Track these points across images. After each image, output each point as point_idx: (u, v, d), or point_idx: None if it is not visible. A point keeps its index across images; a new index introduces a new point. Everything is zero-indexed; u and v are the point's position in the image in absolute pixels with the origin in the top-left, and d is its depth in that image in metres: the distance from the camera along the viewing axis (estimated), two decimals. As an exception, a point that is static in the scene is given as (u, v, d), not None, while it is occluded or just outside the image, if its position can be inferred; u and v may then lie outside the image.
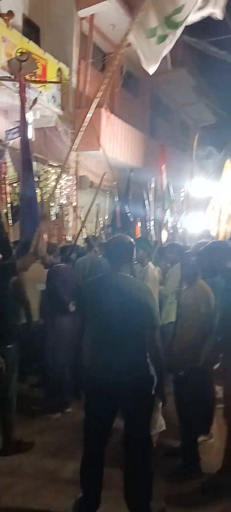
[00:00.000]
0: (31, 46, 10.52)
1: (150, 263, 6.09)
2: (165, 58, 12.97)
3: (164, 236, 8.16)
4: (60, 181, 11.55)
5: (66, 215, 11.20)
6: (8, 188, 9.78)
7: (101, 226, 9.58)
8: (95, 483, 3.41)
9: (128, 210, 9.11)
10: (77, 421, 5.13)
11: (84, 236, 7.66)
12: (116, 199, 9.24)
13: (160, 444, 4.40)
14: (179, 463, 4.25)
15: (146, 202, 9.97)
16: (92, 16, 13.08)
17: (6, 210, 9.32)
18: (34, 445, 4.62)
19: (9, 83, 9.23)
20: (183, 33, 12.18)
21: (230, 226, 7.30)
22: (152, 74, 5.37)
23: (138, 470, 3.32)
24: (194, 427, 4.33)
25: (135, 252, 3.58)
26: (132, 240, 3.67)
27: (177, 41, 14.04)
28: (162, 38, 4.40)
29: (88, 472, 3.41)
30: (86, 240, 7.52)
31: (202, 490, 3.93)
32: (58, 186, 11.35)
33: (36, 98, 8.56)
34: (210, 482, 3.98)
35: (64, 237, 10.91)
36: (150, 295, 3.42)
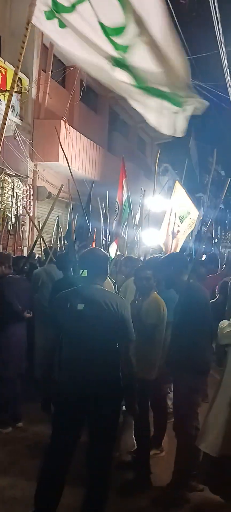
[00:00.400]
0: (-10, 54, 10.42)
1: (108, 279, 6.06)
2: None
3: (114, 249, 8.24)
4: (17, 191, 11.43)
5: (23, 225, 11.07)
6: None
7: (60, 237, 9.54)
8: (53, 500, 3.29)
9: (88, 223, 9.12)
10: (29, 436, 5.09)
11: (43, 247, 7.62)
12: (69, 211, 9.23)
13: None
14: (130, 477, 4.29)
15: (103, 215, 10.01)
16: (53, 28, 13.12)
17: None
18: None
19: None
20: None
21: (180, 241, 7.63)
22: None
23: (99, 484, 3.29)
24: (146, 440, 4.37)
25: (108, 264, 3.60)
26: (106, 253, 3.69)
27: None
28: (60, 23, 3.80)
29: (47, 488, 3.30)
30: (45, 251, 7.48)
31: (152, 504, 3.97)
32: (15, 196, 11.23)
33: (-6, 106, 8.45)
34: (160, 495, 4.04)
35: (20, 247, 10.76)
36: (126, 308, 3.42)
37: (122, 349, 3.36)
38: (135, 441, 4.16)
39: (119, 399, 3.38)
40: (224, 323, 4.19)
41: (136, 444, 4.17)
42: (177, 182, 8.03)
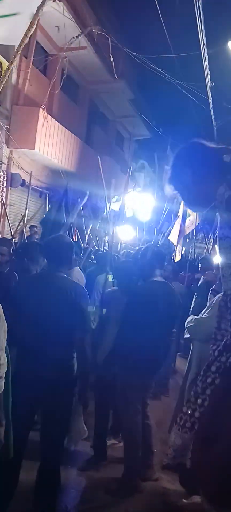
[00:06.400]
0: None
1: (78, 268, 5.99)
2: (105, 67, 13.05)
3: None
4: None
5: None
6: None
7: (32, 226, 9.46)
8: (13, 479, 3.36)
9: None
10: None
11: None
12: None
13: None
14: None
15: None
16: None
17: None
18: None
19: None
20: (124, 45, 12.33)
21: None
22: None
23: (48, 468, 3.36)
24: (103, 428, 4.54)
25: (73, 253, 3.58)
26: (71, 240, 3.70)
27: (118, 52, 14.02)
28: None
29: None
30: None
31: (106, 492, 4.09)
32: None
33: None
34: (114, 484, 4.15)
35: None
36: (84, 298, 3.43)
37: (77, 337, 3.37)
38: (85, 428, 4.28)
39: (71, 387, 3.40)
40: (190, 318, 4.36)
41: (86, 432, 4.30)
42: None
